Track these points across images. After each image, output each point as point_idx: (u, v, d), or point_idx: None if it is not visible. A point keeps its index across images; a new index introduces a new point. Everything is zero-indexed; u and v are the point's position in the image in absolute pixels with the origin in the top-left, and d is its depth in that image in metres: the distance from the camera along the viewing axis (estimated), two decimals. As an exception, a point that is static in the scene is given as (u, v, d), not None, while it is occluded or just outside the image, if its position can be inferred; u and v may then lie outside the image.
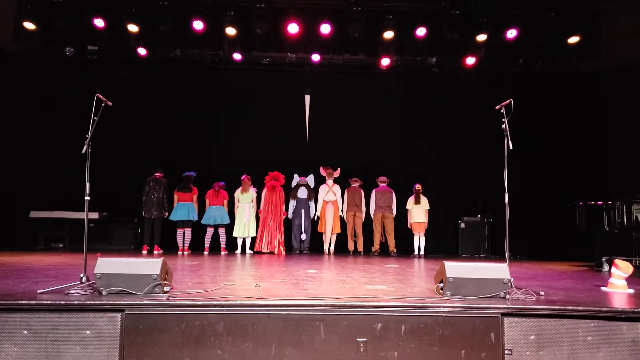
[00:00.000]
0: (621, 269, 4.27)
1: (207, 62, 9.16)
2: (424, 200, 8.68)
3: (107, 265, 3.51)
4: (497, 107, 4.15)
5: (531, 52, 8.61)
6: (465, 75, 9.16)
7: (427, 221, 8.65)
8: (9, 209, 8.60)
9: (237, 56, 8.89)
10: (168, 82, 9.52)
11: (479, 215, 9.18)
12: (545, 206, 8.68)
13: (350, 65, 9.33)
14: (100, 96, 4.01)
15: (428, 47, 8.63)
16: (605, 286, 4.37)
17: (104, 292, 3.42)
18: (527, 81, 9.06)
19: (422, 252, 8.59)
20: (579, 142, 8.72)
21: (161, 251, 8.23)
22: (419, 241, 8.61)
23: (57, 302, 3.24)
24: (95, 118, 3.92)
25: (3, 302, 3.23)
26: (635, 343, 3.28)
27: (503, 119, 4.03)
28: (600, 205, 6.47)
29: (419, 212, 8.62)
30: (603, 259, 6.34)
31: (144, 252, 8.20)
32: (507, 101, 4.04)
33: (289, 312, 3.28)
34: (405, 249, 8.87)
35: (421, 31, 7.97)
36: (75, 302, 3.25)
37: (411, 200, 8.72)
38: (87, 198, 3.96)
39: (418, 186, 8.72)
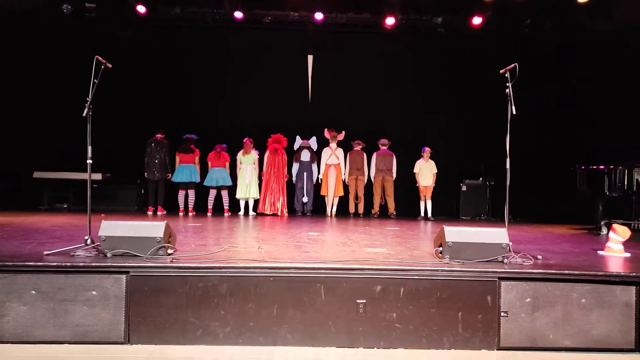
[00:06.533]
0: (619, 233, 4.31)
1: (208, 20, 8.93)
2: (431, 163, 8.68)
3: (111, 227, 3.56)
4: (501, 72, 4.08)
5: (540, 12, 8.36)
6: (470, 36, 8.92)
7: (433, 184, 8.69)
8: (13, 169, 8.62)
9: (238, 14, 8.67)
10: (168, 41, 9.30)
11: (481, 178, 9.19)
12: (547, 170, 8.65)
13: (354, 25, 9.08)
14: (100, 58, 3.95)
15: (434, 6, 8.41)
16: (603, 250, 4.43)
17: (108, 254, 3.49)
18: (534, 42, 8.84)
19: (429, 215, 8.65)
20: (585, 105, 8.58)
21: (165, 212, 8.33)
22: (426, 204, 8.67)
23: (63, 264, 3.32)
24: (95, 80, 3.88)
25: (11, 263, 3.31)
26: (628, 305, 3.36)
27: (507, 84, 3.97)
28: (602, 169, 6.46)
29: (427, 176, 8.64)
30: (602, 223, 6.38)
31: (149, 213, 8.30)
32: (512, 65, 3.96)
33: (291, 275, 3.36)
34: (410, 212, 8.95)
35: (427, -11, 7.74)
36: (81, 264, 3.32)
37: (419, 163, 8.71)
38: (89, 161, 3.96)
39: (427, 149, 8.70)
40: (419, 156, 8.82)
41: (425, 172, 8.70)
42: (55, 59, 8.79)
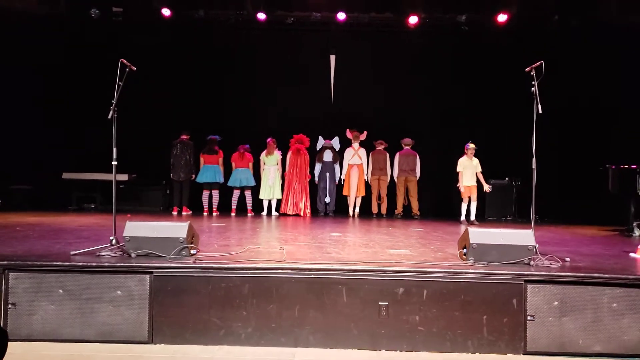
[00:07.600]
0: (653, 236, 4.15)
1: (231, 22, 9.01)
2: (475, 161, 7.96)
3: (135, 228, 3.62)
4: (527, 70, 3.98)
5: (568, 7, 8.15)
6: (496, 34, 8.75)
7: (475, 184, 7.92)
8: (43, 170, 8.85)
9: (261, 16, 8.74)
10: (191, 43, 9.42)
11: (507, 178, 9.00)
12: (575, 170, 8.41)
13: (377, 24, 9.03)
14: (125, 61, 4.02)
15: (458, 4, 8.30)
16: (635, 252, 4.27)
17: (132, 255, 3.54)
18: (562, 39, 8.61)
19: (472, 217, 7.82)
20: (615, 104, 8.31)
21: (190, 212, 8.43)
22: (469, 206, 7.90)
23: (89, 264, 3.38)
24: (120, 83, 3.95)
25: (39, 262, 3.40)
26: (663, 311, 3.22)
27: (533, 82, 3.87)
28: (634, 169, 6.23)
29: (470, 174, 7.92)
30: (634, 224, 6.16)
31: (174, 213, 8.42)
32: (538, 63, 3.86)
33: (312, 276, 3.34)
34: (435, 213, 8.88)
35: (451, -14, 7.64)
36: (106, 264, 3.38)
37: (462, 161, 7.95)
38: (114, 163, 4.05)
39: (471, 146, 7.93)
40: (443, 155, 8.55)
41: (469, 171, 7.90)
42: (83, 62, 9.01)
